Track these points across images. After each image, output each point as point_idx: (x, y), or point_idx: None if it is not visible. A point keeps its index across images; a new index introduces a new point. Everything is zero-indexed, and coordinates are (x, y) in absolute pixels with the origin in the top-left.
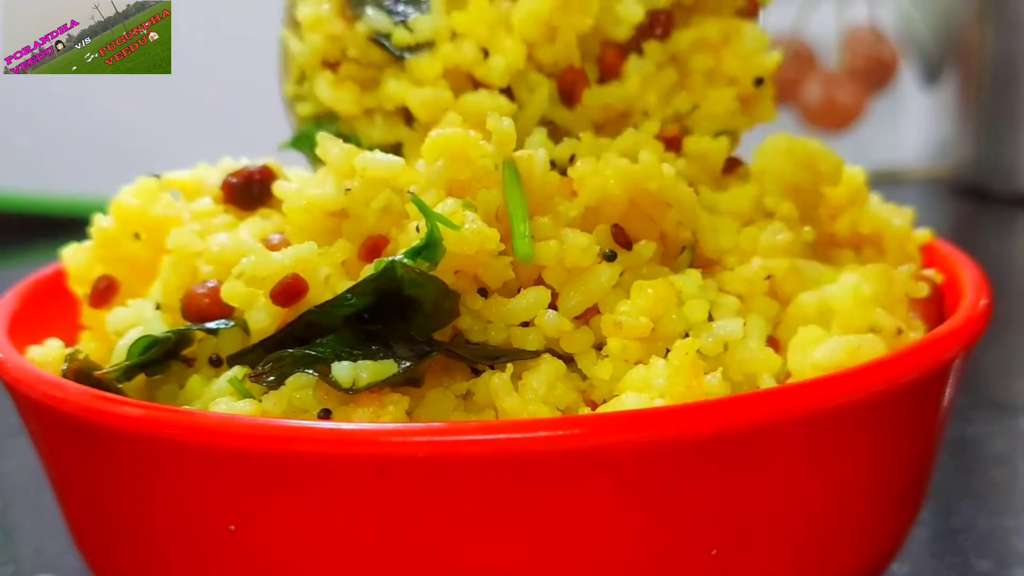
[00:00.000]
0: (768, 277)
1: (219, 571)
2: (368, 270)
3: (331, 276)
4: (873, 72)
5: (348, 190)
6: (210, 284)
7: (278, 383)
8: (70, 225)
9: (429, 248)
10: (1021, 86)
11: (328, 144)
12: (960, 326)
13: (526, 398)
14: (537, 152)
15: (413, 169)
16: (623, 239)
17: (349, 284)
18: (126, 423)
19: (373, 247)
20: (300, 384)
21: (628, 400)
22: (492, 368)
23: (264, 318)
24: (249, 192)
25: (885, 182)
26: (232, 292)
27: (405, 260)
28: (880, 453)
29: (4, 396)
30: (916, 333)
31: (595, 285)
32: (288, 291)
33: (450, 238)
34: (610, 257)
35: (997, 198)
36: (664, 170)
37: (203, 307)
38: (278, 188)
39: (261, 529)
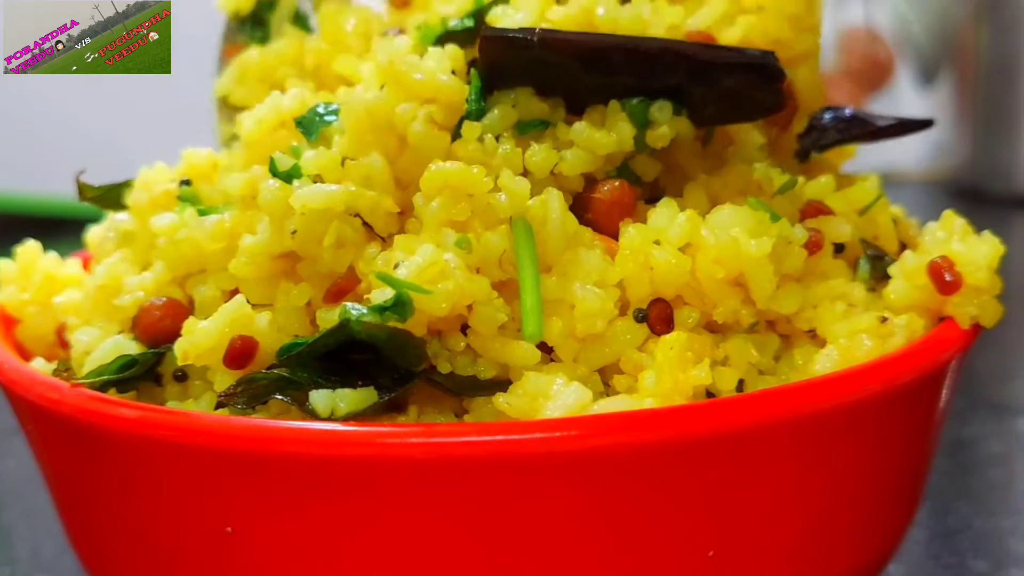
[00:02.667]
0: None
1: (216, 572)
2: (331, 314)
3: (277, 320)
4: (869, 73)
5: (294, 232)
6: (161, 300)
7: (249, 406)
8: (68, 225)
9: (397, 307)
10: (1017, 87)
11: (261, 186)
12: (956, 328)
13: None
14: (551, 198)
15: (359, 190)
16: (664, 317)
17: (305, 324)
18: (122, 424)
19: (339, 292)
20: (281, 409)
21: (619, 400)
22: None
23: (229, 379)
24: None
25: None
26: (187, 363)
27: (365, 317)
28: (876, 454)
29: (0, 398)
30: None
31: (613, 347)
32: (238, 354)
33: (420, 299)
34: (640, 318)
35: (994, 199)
36: (752, 249)
37: (161, 327)
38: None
39: (258, 530)
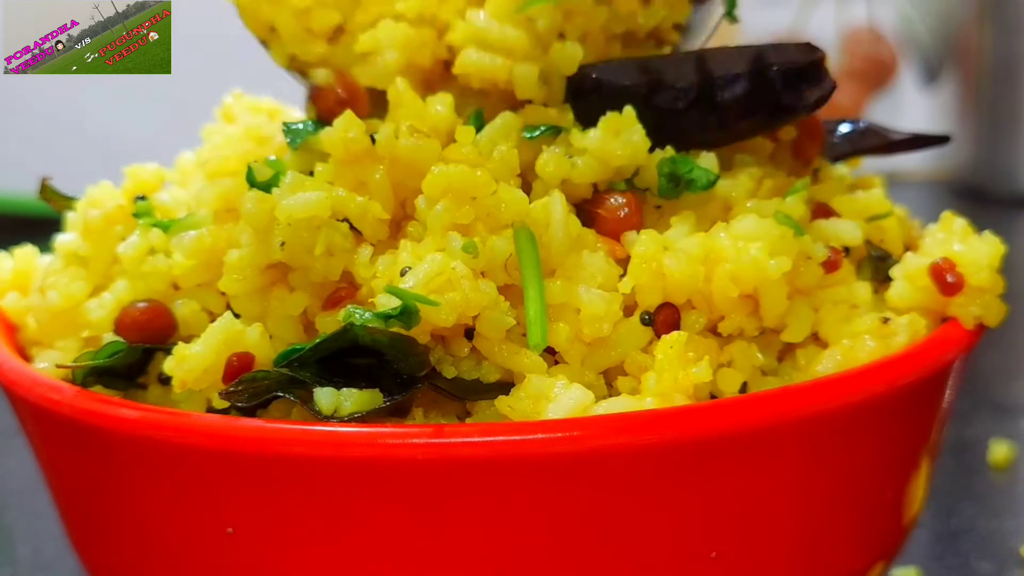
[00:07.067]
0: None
1: (216, 573)
2: (332, 319)
3: (271, 329)
4: (872, 73)
5: (282, 244)
6: (143, 303)
7: (250, 403)
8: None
9: (403, 316)
10: (1021, 87)
11: (242, 197)
12: (959, 328)
13: None
14: (553, 202)
15: (346, 194)
16: (671, 321)
17: (300, 332)
18: (123, 425)
19: (338, 300)
20: (282, 412)
21: (620, 400)
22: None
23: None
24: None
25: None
26: (184, 389)
27: (369, 322)
28: (880, 455)
29: (1, 398)
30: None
31: (618, 350)
32: (236, 372)
33: (427, 309)
34: (647, 322)
35: (997, 199)
36: (771, 269)
37: (142, 321)
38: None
39: (259, 531)
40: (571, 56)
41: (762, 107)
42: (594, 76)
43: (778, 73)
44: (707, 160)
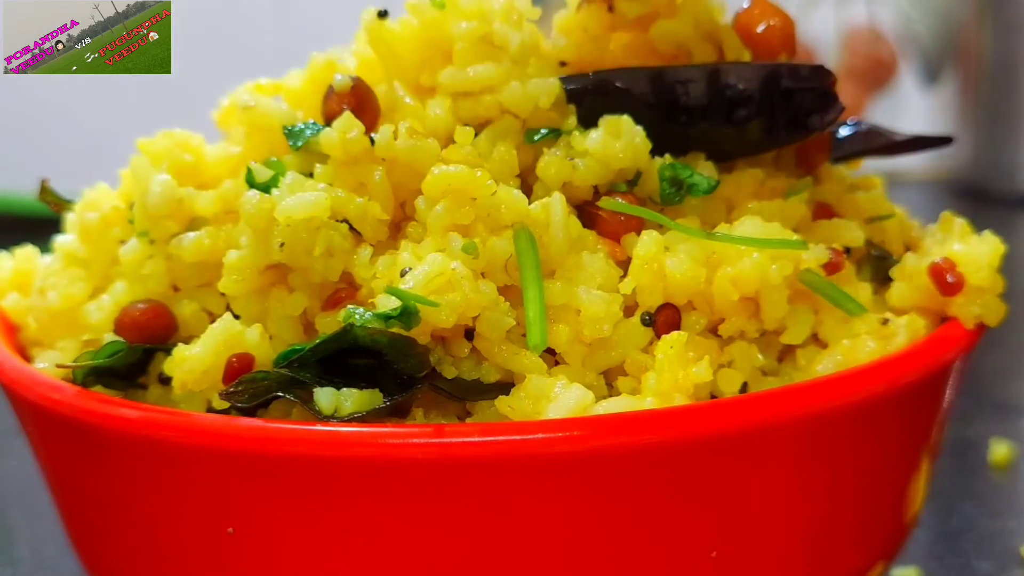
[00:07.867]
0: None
1: (217, 573)
2: (332, 319)
3: (271, 330)
4: (872, 72)
5: (282, 245)
6: (143, 304)
7: (250, 403)
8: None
9: (403, 316)
10: (1021, 86)
11: (241, 199)
12: (959, 328)
13: None
14: (553, 203)
15: (345, 195)
16: (672, 322)
17: (299, 332)
18: (124, 425)
19: (338, 301)
20: (282, 412)
21: (620, 400)
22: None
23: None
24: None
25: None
26: (184, 390)
27: (369, 323)
28: (880, 454)
29: (1, 398)
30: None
31: (619, 350)
32: (236, 373)
33: (427, 310)
34: (648, 322)
35: (997, 198)
36: (772, 274)
37: (142, 322)
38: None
39: (260, 531)
40: (549, 71)
41: (774, 127)
42: (604, 82)
43: (793, 96)
44: (706, 167)
